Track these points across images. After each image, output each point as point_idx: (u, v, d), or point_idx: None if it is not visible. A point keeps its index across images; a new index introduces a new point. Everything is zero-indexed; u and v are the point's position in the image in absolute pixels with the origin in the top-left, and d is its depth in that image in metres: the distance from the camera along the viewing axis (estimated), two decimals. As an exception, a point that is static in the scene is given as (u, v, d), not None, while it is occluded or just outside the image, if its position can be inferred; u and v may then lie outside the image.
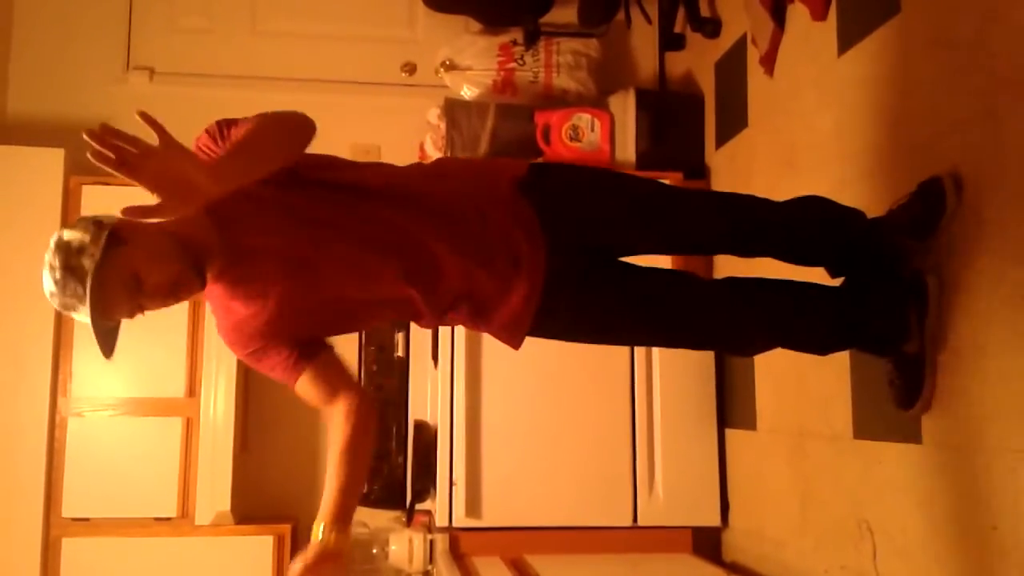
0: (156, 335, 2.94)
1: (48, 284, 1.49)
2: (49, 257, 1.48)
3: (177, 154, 1.32)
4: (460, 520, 2.76)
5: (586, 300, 1.78)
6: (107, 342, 1.52)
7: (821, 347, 1.98)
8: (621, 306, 1.79)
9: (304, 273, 1.64)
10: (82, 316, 1.48)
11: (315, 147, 1.63)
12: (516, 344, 1.79)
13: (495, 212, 1.72)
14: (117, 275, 1.48)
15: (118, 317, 1.53)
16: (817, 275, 1.97)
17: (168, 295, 1.55)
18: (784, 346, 1.95)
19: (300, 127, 1.60)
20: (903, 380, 1.89)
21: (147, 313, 1.57)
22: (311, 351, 1.70)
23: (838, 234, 1.92)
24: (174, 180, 1.29)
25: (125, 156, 1.26)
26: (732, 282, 1.93)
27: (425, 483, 2.87)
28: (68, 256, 1.47)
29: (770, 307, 1.88)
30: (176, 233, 1.55)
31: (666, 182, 2.08)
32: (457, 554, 2.76)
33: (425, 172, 1.84)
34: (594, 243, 1.80)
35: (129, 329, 1.58)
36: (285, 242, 1.62)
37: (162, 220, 1.33)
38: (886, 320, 1.87)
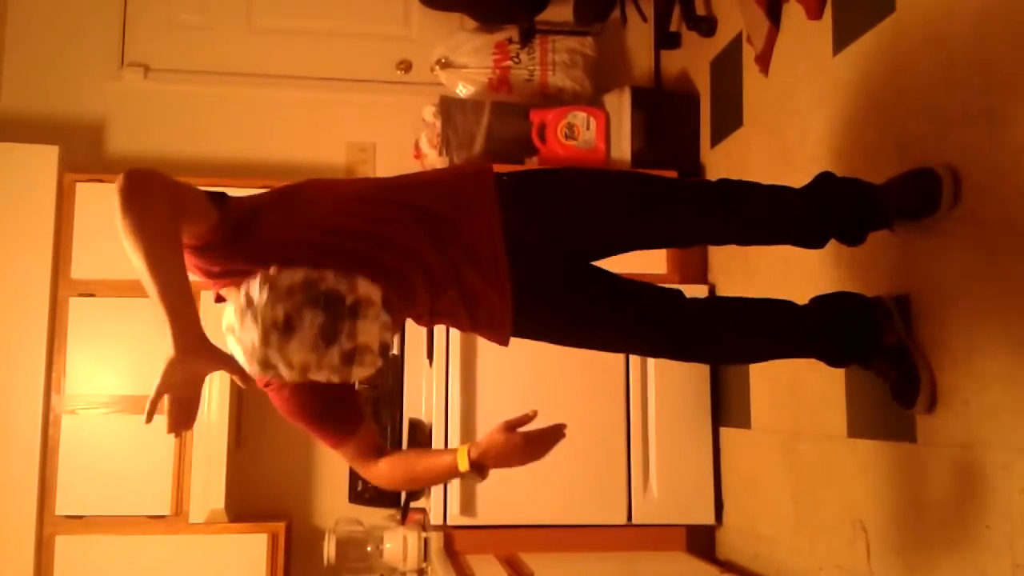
0: (150, 331, 2.91)
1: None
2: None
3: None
4: (455, 518, 2.76)
5: (561, 302, 1.80)
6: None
7: (801, 351, 1.99)
8: (595, 310, 1.82)
9: None
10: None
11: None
12: (503, 341, 1.81)
13: (460, 222, 1.72)
14: None
15: None
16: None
17: None
18: (759, 357, 2.01)
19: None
20: (897, 375, 1.88)
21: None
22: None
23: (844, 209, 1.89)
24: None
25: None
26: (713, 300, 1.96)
27: (420, 481, 2.87)
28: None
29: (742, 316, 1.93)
30: None
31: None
32: (452, 552, 2.76)
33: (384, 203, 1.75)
34: (568, 244, 1.80)
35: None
36: None
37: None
38: (855, 319, 1.90)
